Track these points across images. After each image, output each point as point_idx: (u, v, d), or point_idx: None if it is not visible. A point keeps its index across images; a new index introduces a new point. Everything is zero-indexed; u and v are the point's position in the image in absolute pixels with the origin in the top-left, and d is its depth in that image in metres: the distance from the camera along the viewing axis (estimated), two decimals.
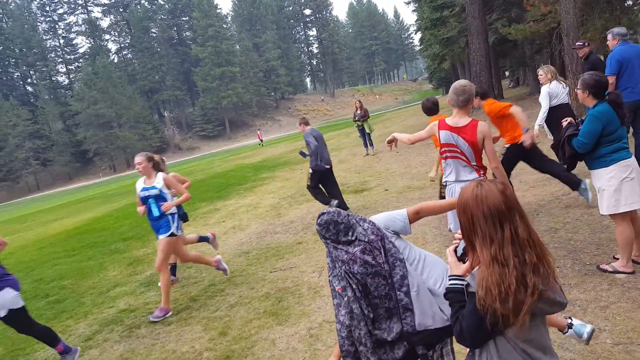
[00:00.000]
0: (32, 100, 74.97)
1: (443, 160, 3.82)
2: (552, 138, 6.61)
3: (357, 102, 15.13)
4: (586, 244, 4.44)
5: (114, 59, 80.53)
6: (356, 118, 14.53)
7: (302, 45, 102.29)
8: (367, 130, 14.53)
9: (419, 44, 52.57)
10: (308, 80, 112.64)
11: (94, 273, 7.40)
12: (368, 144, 14.84)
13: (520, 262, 1.52)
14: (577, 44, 7.62)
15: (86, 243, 10.07)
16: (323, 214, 2.22)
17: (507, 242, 1.54)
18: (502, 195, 1.57)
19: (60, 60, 79.11)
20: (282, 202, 9.94)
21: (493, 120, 5.72)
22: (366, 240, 2.13)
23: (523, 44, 22.54)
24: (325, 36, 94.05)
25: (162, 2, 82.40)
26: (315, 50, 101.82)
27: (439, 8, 22.52)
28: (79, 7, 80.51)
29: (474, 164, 3.62)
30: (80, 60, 78.32)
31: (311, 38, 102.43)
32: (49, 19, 78.73)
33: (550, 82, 6.57)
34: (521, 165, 8.26)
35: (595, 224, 4.88)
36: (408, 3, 43.57)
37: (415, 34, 65.63)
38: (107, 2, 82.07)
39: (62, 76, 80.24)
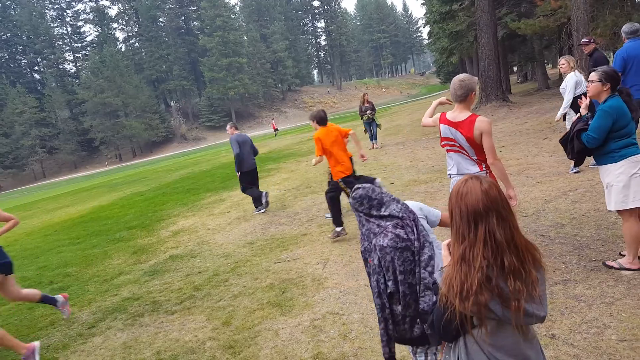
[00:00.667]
0: (39, 87, 75.16)
1: (446, 153, 3.82)
2: None
3: (364, 95, 14.98)
4: (592, 240, 4.40)
5: (121, 47, 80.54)
6: (364, 111, 14.40)
7: (310, 37, 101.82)
8: (378, 123, 14.55)
9: (427, 38, 52.25)
10: (315, 72, 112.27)
11: (98, 261, 7.44)
12: (373, 138, 14.77)
13: (490, 264, 1.48)
14: (583, 40, 7.56)
15: (91, 231, 10.12)
16: (358, 188, 2.26)
17: (479, 242, 1.50)
18: (483, 194, 1.52)
19: (68, 48, 79.21)
20: (287, 194, 9.94)
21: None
22: (399, 216, 2.16)
23: (532, 39, 22.31)
24: (333, 28, 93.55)
25: None
26: (323, 42, 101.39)
27: (448, 1, 22.30)
28: None
29: (475, 157, 3.58)
30: (88, 49, 78.40)
31: (319, 30, 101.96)
32: (57, 6, 78.76)
33: (574, 70, 6.69)
34: (528, 160, 8.22)
35: (602, 220, 4.84)
36: None
37: (424, 27, 65.22)
38: None
39: (69, 64, 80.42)
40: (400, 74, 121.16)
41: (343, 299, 4.27)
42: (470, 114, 3.53)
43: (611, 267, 3.77)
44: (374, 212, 2.21)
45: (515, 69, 40.03)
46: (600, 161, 3.70)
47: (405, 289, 2.08)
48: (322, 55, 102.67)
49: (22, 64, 78.00)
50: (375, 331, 3.58)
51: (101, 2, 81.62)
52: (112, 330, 4.57)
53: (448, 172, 3.86)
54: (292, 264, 5.46)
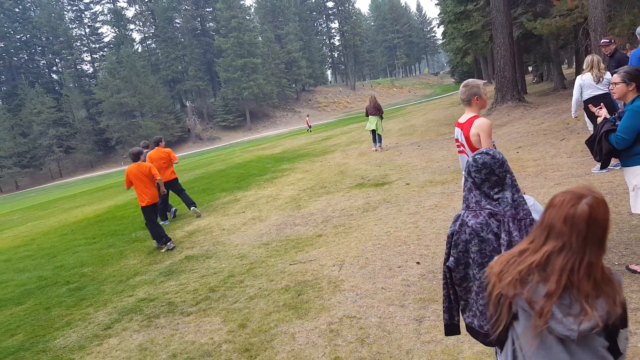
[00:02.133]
0: (56, 88, 76.24)
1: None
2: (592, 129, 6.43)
3: (371, 97, 14.93)
4: (614, 244, 4.28)
5: (138, 48, 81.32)
6: (368, 113, 14.44)
7: (324, 38, 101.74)
8: (375, 128, 14.26)
9: (441, 38, 51.87)
10: (329, 72, 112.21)
11: (114, 261, 7.47)
12: (376, 140, 14.50)
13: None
14: (602, 41, 7.40)
15: (107, 231, 10.19)
16: (486, 153, 2.12)
17: (582, 266, 1.41)
18: (608, 222, 1.44)
19: (86, 49, 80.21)
20: (301, 194, 9.89)
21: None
22: (503, 208, 2.05)
23: (548, 39, 21.99)
24: (347, 29, 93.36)
25: None
26: (337, 43, 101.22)
27: (463, 1, 22.08)
28: None
29: None
30: (105, 49, 79.24)
31: (333, 30, 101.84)
32: (75, 8, 79.80)
33: (582, 74, 6.61)
34: (546, 161, 8.07)
35: (624, 223, 4.71)
36: None
37: (438, 27, 64.81)
38: None
39: (86, 65, 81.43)
40: (414, 74, 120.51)
41: (360, 302, 4.21)
42: (473, 115, 3.65)
43: (635, 272, 3.66)
44: (485, 187, 2.08)
45: (530, 69, 39.52)
46: (627, 163, 3.59)
47: (471, 275, 2.07)
48: (336, 55, 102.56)
49: (41, 64, 79.22)
50: (393, 335, 3.51)
51: (119, 4, 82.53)
52: (128, 331, 4.57)
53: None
54: (308, 266, 5.42)
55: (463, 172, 3.80)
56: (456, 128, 3.84)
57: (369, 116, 14.48)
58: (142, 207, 7.63)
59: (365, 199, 8.22)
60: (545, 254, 1.45)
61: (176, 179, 9.94)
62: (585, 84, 6.64)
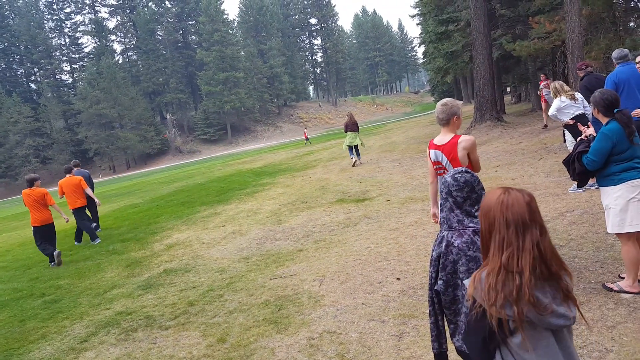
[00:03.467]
0: (34, 97, 74.98)
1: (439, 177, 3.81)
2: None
3: (349, 114, 16.22)
4: (591, 262, 4.40)
5: (118, 59, 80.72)
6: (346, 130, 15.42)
7: (307, 54, 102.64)
8: (357, 143, 15.22)
9: (422, 57, 52.88)
10: (311, 88, 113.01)
11: (91, 274, 7.34)
12: (355, 154, 15.26)
13: (530, 271, 1.52)
14: (578, 64, 7.74)
15: (83, 243, 10.01)
16: (465, 172, 2.17)
17: (526, 251, 1.53)
18: (527, 205, 1.58)
19: (65, 58, 79.25)
20: (282, 209, 9.90)
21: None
22: None
23: (527, 60, 22.62)
24: (329, 45, 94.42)
25: (169, 5, 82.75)
26: (319, 59, 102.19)
27: (444, 22, 22.64)
28: (86, 7, 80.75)
29: None
30: (85, 60, 78.44)
31: (316, 47, 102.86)
32: (55, 17, 78.94)
33: (560, 96, 6.99)
34: (524, 180, 8.27)
35: (600, 242, 4.85)
36: (413, 16, 43.81)
37: (419, 46, 66.09)
38: (114, 3, 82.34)
39: (66, 75, 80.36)
40: (395, 92, 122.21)
41: (340, 317, 4.23)
42: (453, 135, 3.56)
43: (611, 290, 3.77)
44: (466, 206, 2.11)
45: (509, 89, 40.49)
46: (601, 183, 3.73)
47: (460, 297, 2.06)
48: (318, 71, 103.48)
49: (19, 73, 77.88)
50: (373, 351, 3.54)
51: (100, 15, 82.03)
52: (105, 345, 4.49)
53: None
54: (288, 281, 5.42)
55: (440, 194, 3.86)
56: (432, 150, 3.66)
57: (348, 132, 15.31)
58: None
59: (346, 215, 8.28)
60: (503, 263, 1.57)
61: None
62: (566, 105, 6.97)
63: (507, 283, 1.52)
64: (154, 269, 6.98)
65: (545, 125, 14.35)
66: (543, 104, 15.20)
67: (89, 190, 9.97)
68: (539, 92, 16.02)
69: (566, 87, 7.17)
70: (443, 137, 3.62)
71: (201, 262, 6.91)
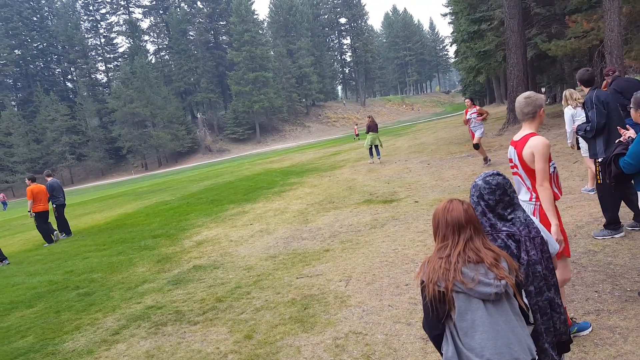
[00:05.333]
0: (71, 96, 77.55)
1: None
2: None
3: (370, 116, 17.47)
4: (627, 269, 4.26)
5: (151, 59, 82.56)
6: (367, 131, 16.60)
7: (336, 53, 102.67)
8: (377, 143, 16.35)
9: (454, 56, 52.15)
10: (339, 88, 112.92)
11: (123, 268, 7.54)
12: (376, 154, 16.36)
13: (458, 257, 1.93)
14: (605, 70, 7.56)
15: (116, 238, 10.28)
16: (497, 174, 2.16)
17: (459, 245, 1.97)
18: (464, 212, 2.01)
19: (100, 58, 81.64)
20: (309, 209, 9.93)
21: None
22: (520, 228, 2.11)
23: (562, 60, 22.09)
24: (359, 45, 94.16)
25: (201, 6, 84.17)
26: (349, 59, 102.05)
27: (477, 21, 22.25)
28: (121, 8, 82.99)
29: (528, 182, 3.26)
30: (119, 60, 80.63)
31: (345, 46, 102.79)
32: (91, 18, 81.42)
33: (570, 104, 7.13)
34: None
35: (636, 248, 4.69)
36: (445, 15, 43.30)
37: (451, 46, 65.10)
38: (147, 3, 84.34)
39: (101, 74, 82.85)
40: (425, 92, 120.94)
41: (366, 318, 4.22)
42: (530, 132, 3.25)
43: None
44: (499, 209, 2.11)
45: (543, 90, 39.54)
46: (638, 187, 3.61)
47: None
48: (347, 71, 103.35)
49: (56, 72, 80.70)
50: (399, 353, 3.52)
51: (134, 15, 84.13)
52: (136, 337, 4.61)
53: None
54: (315, 280, 5.44)
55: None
56: (510, 147, 3.40)
57: (370, 132, 16.41)
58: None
59: (373, 216, 8.25)
60: (444, 247, 2.02)
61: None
62: (577, 113, 6.99)
63: (442, 265, 1.94)
64: (184, 265, 7.11)
65: (486, 158, 11.74)
66: (470, 134, 12.14)
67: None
68: (463, 120, 12.32)
69: (575, 95, 7.18)
70: (521, 133, 3.33)
71: (229, 259, 7.01)
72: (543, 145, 3.09)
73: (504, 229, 2.09)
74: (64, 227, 12.00)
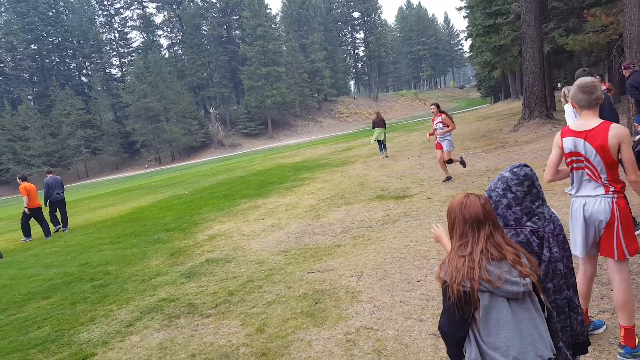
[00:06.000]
0: (85, 90, 78.38)
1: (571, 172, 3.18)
2: None
3: (377, 112, 17.72)
4: None
5: (165, 54, 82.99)
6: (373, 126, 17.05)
7: (349, 48, 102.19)
8: (382, 139, 16.78)
9: (468, 51, 51.63)
10: (352, 82, 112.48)
11: (137, 261, 7.63)
12: (383, 149, 16.94)
13: (481, 255, 1.88)
14: (624, 63, 7.41)
15: (130, 231, 10.39)
16: (524, 165, 2.13)
17: (480, 242, 1.91)
18: (482, 207, 1.95)
19: (115, 53, 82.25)
20: (321, 204, 9.94)
21: None
22: (542, 224, 2.09)
23: (580, 55, 21.76)
24: (372, 39, 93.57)
25: (213, 1, 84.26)
26: (361, 53, 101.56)
27: (492, 15, 21.99)
28: (135, 3, 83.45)
29: (604, 176, 2.95)
30: (133, 54, 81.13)
31: (358, 41, 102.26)
32: (106, 13, 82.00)
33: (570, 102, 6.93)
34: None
35: None
36: (460, 9, 42.87)
37: (465, 40, 64.48)
38: None
39: (115, 69, 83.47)
40: (439, 87, 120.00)
41: (377, 314, 4.23)
42: (602, 121, 2.94)
43: None
44: (527, 202, 2.08)
45: (560, 85, 39.02)
46: None
47: None
48: (359, 66, 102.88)
49: (72, 67, 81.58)
50: (411, 349, 3.52)
51: (148, 10, 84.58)
52: (149, 329, 4.67)
53: (566, 190, 3.58)
54: (326, 275, 5.45)
55: (567, 190, 3.42)
56: (567, 139, 3.05)
57: (375, 128, 16.88)
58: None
59: (385, 211, 8.23)
60: (464, 245, 1.95)
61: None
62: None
63: (465, 264, 1.88)
64: (197, 258, 7.17)
65: (449, 177, 10.24)
66: (437, 151, 10.41)
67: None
68: (427, 136, 11.10)
69: None
70: (587, 122, 2.97)
71: (241, 253, 7.05)
72: (628, 134, 2.87)
73: (528, 224, 2.07)
74: (65, 220, 12.76)
